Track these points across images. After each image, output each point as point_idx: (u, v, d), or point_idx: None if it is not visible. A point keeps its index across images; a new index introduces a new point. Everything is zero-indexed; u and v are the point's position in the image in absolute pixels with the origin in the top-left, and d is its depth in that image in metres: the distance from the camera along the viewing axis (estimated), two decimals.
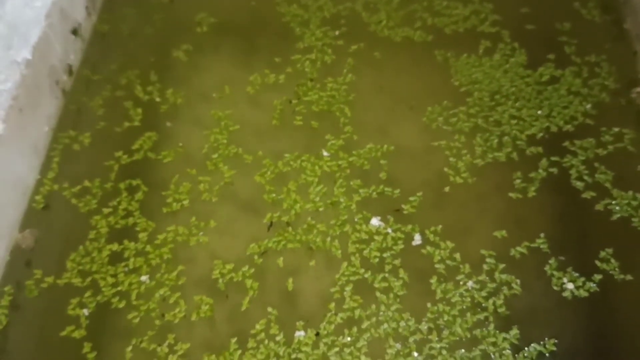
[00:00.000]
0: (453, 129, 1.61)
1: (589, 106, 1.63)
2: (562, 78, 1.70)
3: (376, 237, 1.42)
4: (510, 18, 1.83)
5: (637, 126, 1.62)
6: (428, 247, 1.42)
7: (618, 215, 1.46)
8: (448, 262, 1.39)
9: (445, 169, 1.53)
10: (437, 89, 1.69)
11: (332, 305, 1.34)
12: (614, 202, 1.48)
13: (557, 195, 1.50)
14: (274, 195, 1.49)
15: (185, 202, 1.49)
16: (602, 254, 1.41)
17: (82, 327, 1.33)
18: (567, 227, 1.45)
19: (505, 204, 1.48)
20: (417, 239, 1.42)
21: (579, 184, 1.51)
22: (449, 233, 1.43)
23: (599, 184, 1.51)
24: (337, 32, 1.82)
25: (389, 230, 1.43)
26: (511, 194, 1.50)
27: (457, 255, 1.40)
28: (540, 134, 1.60)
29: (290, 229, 1.44)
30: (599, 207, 1.48)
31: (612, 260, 1.40)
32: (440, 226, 1.44)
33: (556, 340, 1.30)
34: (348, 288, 1.36)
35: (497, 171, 1.53)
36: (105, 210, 1.47)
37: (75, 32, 1.70)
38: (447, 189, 1.50)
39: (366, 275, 1.38)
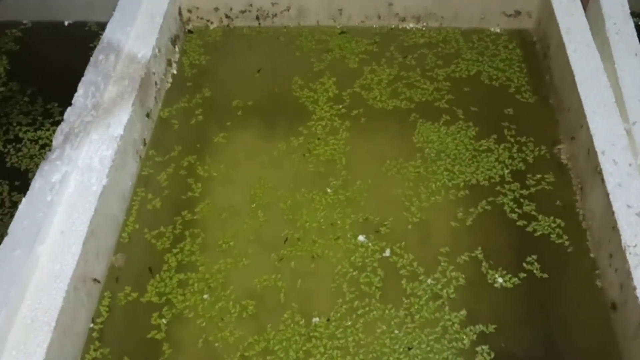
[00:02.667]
0: (402, 177, 2.20)
1: (507, 172, 2.19)
2: (496, 150, 2.27)
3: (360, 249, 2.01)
4: (465, 102, 2.48)
5: (557, 173, 2.21)
6: (394, 257, 1.98)
7: (539, 233, 2.04)
8: (409, 267, 1.96)
9: (405, 202, 2.12)
10: (400, 144, 2.30)
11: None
12: (538, 223, 2.06)
13: (493, 223, 2.08)
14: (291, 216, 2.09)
15: (232, 243, 2.04)
16: (528, 258, 1.98)
17: (162, 331, 1.83)
18: (500, 242, 2.02)
19: (450, 230, 2.06)
20: (387, 252, 2.00)
21: (513, 215, 2.09)
22: (410, 247, 2.00)
23: (526, 213, 2.10)
24: (340, 106, 2.46)
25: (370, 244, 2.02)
26: (453, 223, 2.07)
27: (415, 263, 1.96)
28: (462, 184, 2.17)
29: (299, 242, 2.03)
30: (529, 229, 2.05)
31: (535, 263, 1.96)
32: (403, 242, 2.01)
33: (495, 325, 1.84)
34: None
35: (440, 208, 2.11)
36: (175, 250, 2.03)
37: (148, 115, 2.35)
38: (407, 217, 2.08)
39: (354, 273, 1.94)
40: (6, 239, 1.75)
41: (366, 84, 2.56)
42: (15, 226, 1.79)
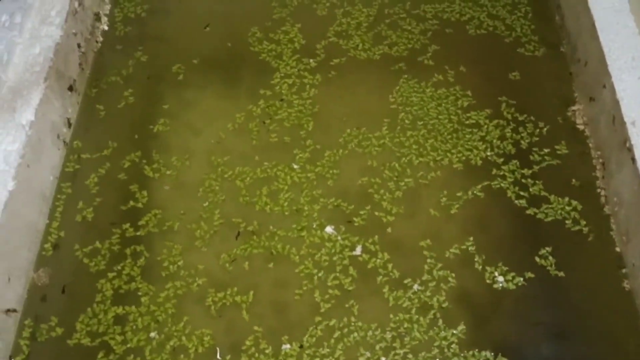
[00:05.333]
0: (363, 152, 1.84)
1: (490, 153, 1.81)
2: (485, 127, 1.87)
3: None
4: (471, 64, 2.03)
5: (571, 142, 1.82)
6: (364, 255, 1.66)
7: (551, 218, 1.68)
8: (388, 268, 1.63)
9: (376, 183, 1.77)
10: (373, 105, 1.92)
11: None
12: (550, 206, 1.70)
13: (487, 208, 1.72)
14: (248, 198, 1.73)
15: (180, 263, 1.64)
16: (542, 251, 1.63)
17: None
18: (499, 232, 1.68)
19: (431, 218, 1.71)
20: (358, 250, 1.66)
21: (512, 196, 1.73)
22: (386, 245, 1.67)
23: (533, 195, 1.73)
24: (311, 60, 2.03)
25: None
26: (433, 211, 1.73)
27: (396, 264, 1.63)
28: (432, 164, 1.81)
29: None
30: (531, 212, 1.70)
31: (550, 258, 1.62)
32: (376, 237, 1.68)
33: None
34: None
35: (418, 192, 1.76)
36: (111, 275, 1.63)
37: (71, 88, 1.90)
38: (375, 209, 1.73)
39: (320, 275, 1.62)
40: None
41: (341, 30, 2.12)
42: None
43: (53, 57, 1.79)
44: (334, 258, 1.65)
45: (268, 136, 1.88)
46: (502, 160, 1.80)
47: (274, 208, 1.74)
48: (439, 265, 1.63)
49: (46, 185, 1.75)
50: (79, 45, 1.97)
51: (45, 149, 1.75)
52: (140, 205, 1.74)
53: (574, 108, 1.89)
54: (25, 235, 1.63)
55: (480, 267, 1.63)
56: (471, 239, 1.67)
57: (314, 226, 1.71)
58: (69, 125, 1.88)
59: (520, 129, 1.86)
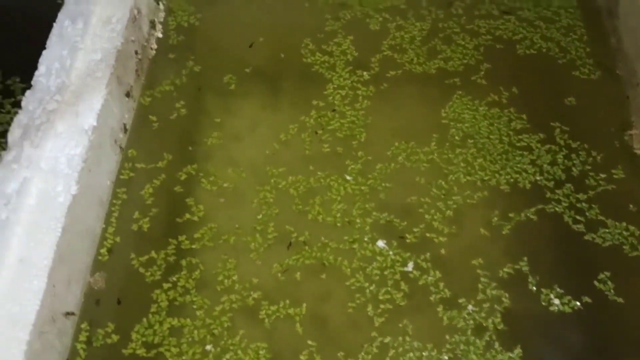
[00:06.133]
0: (412, 166, 1.85)
1: (539, 177, 1.80)
2: (536, 151, 1.86)
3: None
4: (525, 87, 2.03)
5: (628, 166, 1.81)
6: (415, 272, 1.66)
7: (609, 243, 1.67)
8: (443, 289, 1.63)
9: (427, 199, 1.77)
10: (424, 118, 1.93)
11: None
12: (607, 230, 1.69)
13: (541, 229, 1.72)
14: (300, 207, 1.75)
15: (235, 277, 1.65)
16: (601, 276, 1.62)
17: None
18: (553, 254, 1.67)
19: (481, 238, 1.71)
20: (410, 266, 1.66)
21: (567, 220, 1.72)
22: (437, 263, 1.66)
23: (590, 219, 1.72)
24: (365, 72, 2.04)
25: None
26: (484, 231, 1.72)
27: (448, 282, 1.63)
28: (479, 183, 1.80)
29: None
30: (587, 237, 1.68)
31: (609, 282, 1.61)
32: (427, 254, 1.67)
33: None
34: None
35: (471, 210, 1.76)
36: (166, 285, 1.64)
37: (128, 94, 1.92)
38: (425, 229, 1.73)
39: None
40: None
41: (395, 44, 2.13)
42: None
43: (114, 64, 1.81)
44: (385, 272, 1.65)
45: (320, 146, 1.89)
46: (552, 184, 1.79)
47: (327, 218, 1.75)
48: (493, 284, 1.63)
49: (103, 190, 1.77)
50: (136, 52, 1.99)
51: (104, 154, 1.76)
52: (196, 218, 1.75)
53: (631, 132, 1.87)
54: (85, 239, 1.65)
55: (535, 288, 1.62)
56: (525, 259, 1.66)
57: (366, 239, 1.71)
58: (125, 131, 1.90)
59: (573, 155, 1.86)
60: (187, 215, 1.76)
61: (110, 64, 1.80)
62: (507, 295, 1.60)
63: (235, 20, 2.23)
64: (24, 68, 1.88)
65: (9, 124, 1.90)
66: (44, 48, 1.81)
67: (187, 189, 1.81)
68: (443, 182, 1.81)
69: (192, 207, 1.78)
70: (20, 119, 1.67)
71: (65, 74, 1.75)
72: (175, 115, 1.97)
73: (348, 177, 1.83)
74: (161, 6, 2.22)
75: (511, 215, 1.75)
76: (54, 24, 1.86)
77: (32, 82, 1.74)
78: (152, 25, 2.15)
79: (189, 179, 1.83)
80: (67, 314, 1.54)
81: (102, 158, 1.76)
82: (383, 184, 1.82)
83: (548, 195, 1.78)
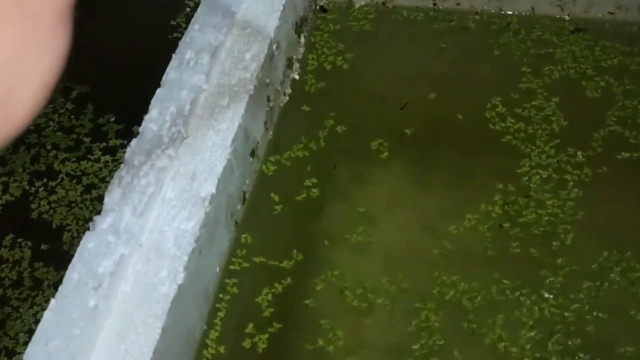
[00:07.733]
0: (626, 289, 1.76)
1: None
2: None
3: None
4: None
5: None
6: None
7: None
8: None
9: None
10: None
11: None
12: None
13: None
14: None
15: None
16: None
17: None
18: None
19: None
20: None
21: None
22: None
23: None
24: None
25: None
26: None
27: None
28: None
29: None
30: None
31: None
32: None
33: None
34: None
35: None
36: None
37: (252, 153, 1.97)
38: None
39: None
40: None
41: (625, 117, 2.09)
42: (34, 351, 1.47)
43: (244, 113, 1.87)
44: None
45: (508, 245, 1.85)
46: None
47: (511, 349, 1.67)
48: None
49: (210, 279, 1.79)
50: (268, 99, 2.06)
51: (218, 232, 1.80)
52: (331, 348, 1.72)
53: None
54: (183, 345, 1.66)
55: None
56: None
57: None
58: (244, 201, 1.94)
59: None
60: (320, 342, 1.74)
61: (240, 113, 1.86)
62: None
63: (397, 66, 2.27)
64: (122, 105, 1.99)
65: (96, 175, 2.02)
66: (158, 85, 1.91)
67: (322, 304, 1.80)
68: None
69: (329, 332, 1.75)
70: (121, 176, 1.75)
71: (182, 122, 1.83)
72: (304, 196, 1.99)
73: (547, 295, 1.75)
74: (302, 39, 2.30)
75: None
76: (173, 57, 1.96)
77: (140, 129, 1.82)
78: (289, 63, 2.22)
79: (327, 290, 1.82)
80: None
81: (216, 236, 1.79)
82: (594, 313, 1.72)
83: None
